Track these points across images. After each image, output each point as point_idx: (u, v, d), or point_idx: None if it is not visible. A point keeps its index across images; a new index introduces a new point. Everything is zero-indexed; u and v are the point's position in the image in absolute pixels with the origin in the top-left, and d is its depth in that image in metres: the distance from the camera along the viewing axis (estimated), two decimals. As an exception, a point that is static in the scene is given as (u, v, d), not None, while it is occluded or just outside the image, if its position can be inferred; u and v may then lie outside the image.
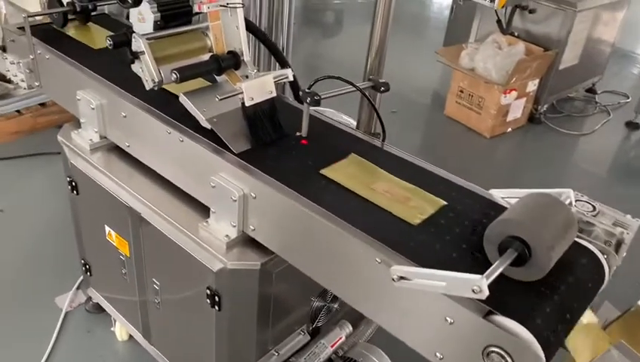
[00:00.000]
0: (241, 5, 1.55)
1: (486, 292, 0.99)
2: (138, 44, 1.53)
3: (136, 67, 1.55)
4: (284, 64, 1.82)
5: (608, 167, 4.43)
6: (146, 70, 1.53)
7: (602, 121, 4.83)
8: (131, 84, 1.71)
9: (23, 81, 2.08)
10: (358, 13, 6.91)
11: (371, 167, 1.45)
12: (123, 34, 1.67)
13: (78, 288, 2.48)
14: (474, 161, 4.09)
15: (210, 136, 1.49)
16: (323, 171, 1.41)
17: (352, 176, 1.40)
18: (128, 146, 1.73)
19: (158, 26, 1.60)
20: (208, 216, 1.53)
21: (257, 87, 1.49)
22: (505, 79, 4.05)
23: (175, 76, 1.48)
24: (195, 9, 1.56)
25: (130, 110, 1.65)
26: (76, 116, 1.90)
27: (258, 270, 1.45)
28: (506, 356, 1.02)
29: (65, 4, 2.05)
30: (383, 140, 1.61)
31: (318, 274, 1.34)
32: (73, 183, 1.92)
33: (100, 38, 2.03)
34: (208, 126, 1.49)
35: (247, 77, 1.59)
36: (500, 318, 1.03)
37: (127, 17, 2.37)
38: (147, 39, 1.53)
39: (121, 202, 1.72)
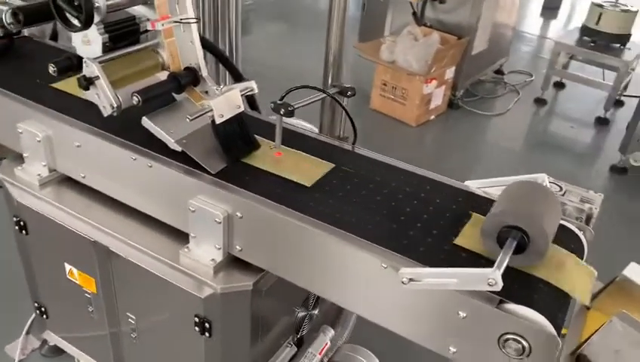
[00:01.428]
0: (195, 20, 1.50)
1: (501, 284, 1.03)
2: (91, 69, 1.43)
3: (91, 94, 1.46)
4: (238, 77, 1.78)
5: (523, 141, 4.74)
6: (103, 96, 1.44)
7: (514, 100, 5.15)
8: (80, 111, 1.61)
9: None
10: (266, 13, 6.88)
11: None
12: (67, 58, 1.56)
13: (27, 333, 2.29)
14: (404, 149, 4.22)
15: (181, 159, 1.44)
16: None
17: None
18: (84, 177, 1.62)
19: (106, 48, 1.51)
20: (186, 242, 1.48)
21: (225, 102, 1.45)
22: (425, 69, 4.20)
23: (137, 99, 1.40)
24: (148, 27, 1.48)
25: (84, 139, 1.55)
26: (15, 150, 1.76)
27: (250, 290, 1.41)
28: (522, 340, 1.07)
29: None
30: (354, 143, 1.62)
31: (315, 285, 1.33)
32: (21, 223, 1.77)
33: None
34: (178, 148, 1.43)
35: (207, 92, 1.55)
36: (512, 306, 1.08)
37: (52, 38, 2.23)
38: (99, 62, 1.45)
39: (84, 237, 1.61)
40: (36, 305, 2.00)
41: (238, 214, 1.35)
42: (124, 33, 1.55)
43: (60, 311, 1.96)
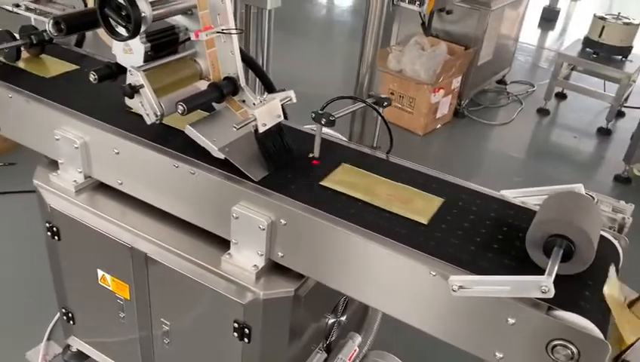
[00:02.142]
0: (238, 31, 1.53)
1: (553, 291, 1.06)
2: (136, 77, 1.46)
3: (134, 102, 1.48)
4: (270, 87, 1.81)
5: (528, 150, 4.80)
6: (147, 104, 1.47)
7: (517, 110, 5.21)
8: (117, 117, 1.64)
9: (-25, 123, 1.91)
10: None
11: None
12: (106, 66, 1.59)
13: (49, 339, 2.30)
14: (413, 158, 4.24)
15: (224, 166, 1.46)
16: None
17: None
18: (121, 184, 1.64)
19: (148, 57, 1.53)
20: (223, 248, 1.50)
21: (267, 112, 1.48)
22: (433, 79, 4.25)
23: (182, 108, 1.42)
24: (192, 37, 1.51)
25: (124, 146, 1.57)
26: (50, 157, 1.78)
27: (292, 296, 1.44)
28: (571, 346, 1.10)
29: (19, 36, 1.91)
30: (389, 152, 1.65)
31: (362, 293, 1.36)
32: (54, 229, 1.78)
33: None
34: (222, 156, 1.46)
35: (244, 101, 1.58)
36: (561, 313, 1.11)
37: (77, 45, 2.25)
38: (143, 71, 1.47)
39: (121, 243, 1.63)
40: (63, 310, 2.00)
41: (282, 221, 1.38)
42: (164, 42, 1.58)
43: (88, 317, 1.97)
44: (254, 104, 1.58)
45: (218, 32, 1.50)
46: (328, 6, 8.60)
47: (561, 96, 5.56)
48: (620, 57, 4.88)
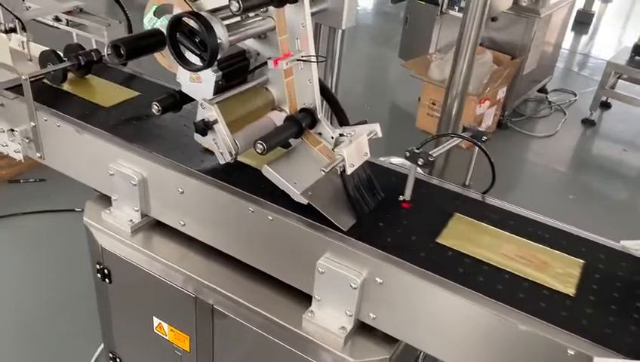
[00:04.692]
0: (321, 59, 1.35)
1: None
2: (209, 112, 1.29)
3: (207, 139, 1.31)
4: (344, 120, 1.62)
5: (575, 164, 4.57)
6: (222, 141, 1.30)
7: (561, 121, 4.98)
8: (180, 151, 1.47)
9: (17, 151, 1.75)
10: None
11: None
12: (170, 95, 1.42)
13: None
14: (458, 173, 4.05)
15: (306, 212, 1.29)
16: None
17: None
18: (184, 225, 1.47)
19: (219, 87, 1.36)
20: (303, 302, 1.33)
21: (356, 150, 1.30)
22: (479, 90, 4.05)
23: (262, 147, 1.25)
24: (270, 65, 1.34)
25: (190, 185, 1.40)
26: (102, 192, 1.61)
27: (387, 365, 1.26)
28: None
29: (66, 58, 1.74)
30: (486, 192, 1.46)
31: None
32: (105, 271, 1.62)
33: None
34: (304, 201, 1.28)
35: (320, 134, 1.40)
36: None
37: (122, 63, 2.09)
38: (216, 103, 1.30)
39: (183, 291, 1.46)
40: (111, 355, 1.84)
41: (378, 280, 1.20)
42: (236, 70, 1.40)
43: (139, 364, 1.81)
44: (332, 138, 1.41)
45: (299, 60, 1.33)
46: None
47: (605, 106, 5.32)
48: (672, 66, 4.65)
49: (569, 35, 7.88)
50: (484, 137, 1.43)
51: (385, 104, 5.14)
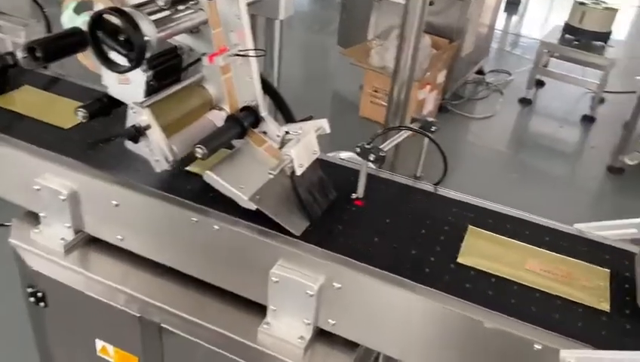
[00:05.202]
0: (261, 53, 1.27)
1: None
2: (141, 116, 1.18)
3: (140, 147, 1.20)
4: (290, 117, 1.54)
5: (515, 143, 4.69)
6: (157, 148, 1.19)
7: (499, 101, 5.08)
8: (112, 161, 1.35)
9: None
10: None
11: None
12: (97, 100, 1.30)
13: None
14: (405, 159, 4.06)
15: (254, 218, 1.20)
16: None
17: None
18: (122, 240, 1.36)
19: (151, 88, 1.25)
20: (256, 314, 1.25)
21: (304, 149, 1.22)
22: (420, 75, 4.05)
23: (202, 151, 1.15)
24: (204, 62, 1.24)
25: (126, 197, 1.28)
26: (29, 208, 1.47)
27: (350, 372, 1.20)
28: None
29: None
30: (437, 184, 1.42)
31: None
32: (38, 294, 1.48)
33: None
34: (253, 206, 1.20)
35: (264, 133, 1.32)
36: None
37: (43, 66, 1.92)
38: (148, 107, 1.19)
39: (126, 312, 1.35)
40: (52, 382, 1.70)
41: (336, 285, 1.13)
42: (167, 68, 1.29)
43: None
44: (278, 136, 1.33)
45: (237, 55, 1.24)
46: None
47: (539, 84, 5.47)
48: (601, 43, 4.81)
49: (501, 16, 8.09)
50: (434, 127, 1.38)
51: (326, 94, 5.09)
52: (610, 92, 5.15)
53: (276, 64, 1.65)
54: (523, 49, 6.58)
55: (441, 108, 4.73)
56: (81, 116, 1.26)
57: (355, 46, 4.50)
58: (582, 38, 4.76)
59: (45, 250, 1.42)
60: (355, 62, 4.30)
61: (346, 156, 1.63)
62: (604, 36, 4.77)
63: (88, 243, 1.45)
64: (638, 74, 4.76)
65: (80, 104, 1.26)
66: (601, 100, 5.17)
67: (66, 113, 1.38)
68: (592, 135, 4.75)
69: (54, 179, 1.35)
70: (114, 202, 1.30)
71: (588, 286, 1.11)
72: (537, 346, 1.00)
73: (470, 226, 1.25)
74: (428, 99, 4.33)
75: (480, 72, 5.49)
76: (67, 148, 1.38)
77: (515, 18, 8.16)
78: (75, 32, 1.28)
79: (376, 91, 4.30)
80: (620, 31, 5.27)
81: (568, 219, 1.31)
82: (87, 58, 1.35)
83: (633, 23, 8.13)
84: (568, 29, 4.83)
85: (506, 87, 5.41)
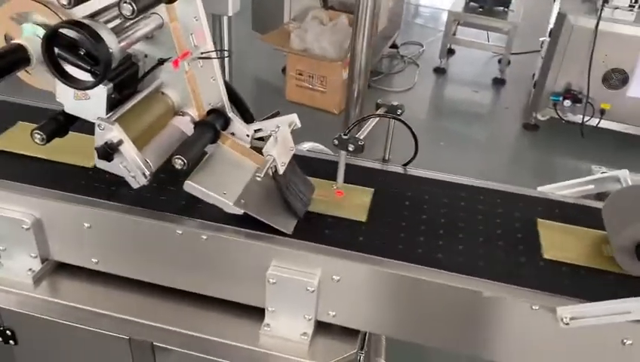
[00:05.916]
0: (227, 54, 1.24)
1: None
2: (111, 133, 1.12)
3: (114, 165, 1.14)
4: (250, 116, 1.51)
5: (436, 111, 4.87)
6: (132, 163, 1.14)
7: (416, 73, 5.24)
8: (77, 181, 1.28)
9: None
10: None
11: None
12: (52, 119, 1.22)
13: None
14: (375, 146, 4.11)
15: (242, 223, 1.19)
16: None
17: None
18: (97, 263, 1.29)
19: (113, 101, 1.19)
20: (253, 317, 1.25)
21: (283, 147, 1.22)
22: (342, 54, 4.09)
23: (181, 162, 1.12)
24: (169, 67, 1.19)
25: (98, 218, 1.22)
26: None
27: (356, 358, 1.23)
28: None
29: None
30: (406, 165, 1.46)
31: (450, 342, 1.19)
32: (7, 332, 1.39)
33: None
34: (239, 211, 1.18)
35: (233, 134, 1.31)
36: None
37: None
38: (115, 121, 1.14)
39: (115, 336, 1.29)
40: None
41: (335, 277, 1.15)
42: (126, 78, 1.23)
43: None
44: (248, 136, 1.32)
45: (201, 57, 1.21)
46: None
47: (450, 52, 5.68)
48: (502, 8, 5.06)
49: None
50: (400, 110, 1.41)
51: (248, 80, 5.01)
52: (516, 53, 5.45)
53: (228, 62, 1.62)
54: (425, 19, 6.81)
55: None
56: (37, 139, 1.18)
57: (274, 31, 4.45)
58: (485, 5, 5.00)
59: (10, 284, 1.33)
60: (277, 47, 4.26)
61: (309, 146, 1.64)
62: (505, 2, 5.03)
63: (57, 269, 1.37)
64: (539, 35, 5.08)
65: (34, 125, 1.18)
66: (508, 62, 5.47)
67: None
68: (504, 96, 5.03)
69: (13, 208, 1.26)
70: (86, 224, 1.23)
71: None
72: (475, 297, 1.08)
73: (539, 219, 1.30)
74: (351, 77, 4.38)
75: (394, 46, 5.62)
76: (26, 175, 1.29)
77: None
78: (15, 48, 1.18)
79: (300, 74, 4.30)
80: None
81: (495, 178, 1.44)
82: (32, 76, 1.26)
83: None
84: (471, -4, 5.05)
85: (419, 58, 5.57)
